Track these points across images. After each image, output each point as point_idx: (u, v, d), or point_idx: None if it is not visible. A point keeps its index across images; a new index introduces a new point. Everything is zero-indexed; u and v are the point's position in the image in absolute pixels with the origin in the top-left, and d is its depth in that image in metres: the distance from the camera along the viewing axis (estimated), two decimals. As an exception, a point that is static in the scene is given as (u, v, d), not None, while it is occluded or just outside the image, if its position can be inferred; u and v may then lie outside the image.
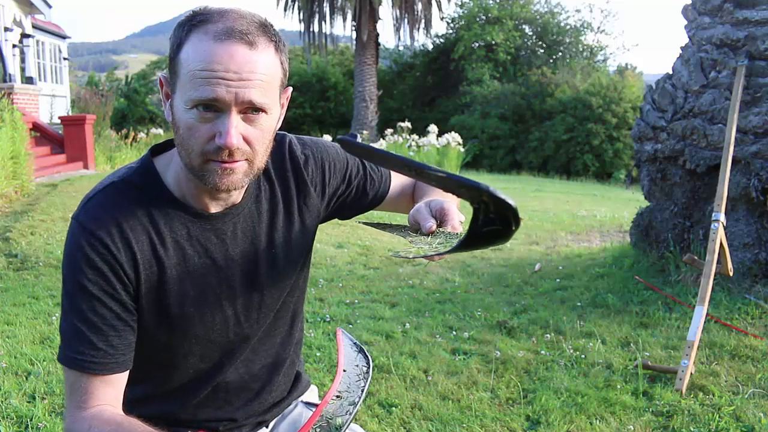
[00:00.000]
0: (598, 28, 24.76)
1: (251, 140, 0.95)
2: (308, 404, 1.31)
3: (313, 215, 1.18)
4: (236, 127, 0.92)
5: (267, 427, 1.26)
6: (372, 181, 1.26)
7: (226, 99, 0.90)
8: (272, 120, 0.99)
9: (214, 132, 0.93)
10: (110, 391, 1.02)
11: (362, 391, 1.09)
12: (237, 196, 1.08)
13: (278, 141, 1.15)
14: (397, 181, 1.30)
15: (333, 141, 1.23)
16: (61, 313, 1.03)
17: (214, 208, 1.07)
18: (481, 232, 0.76)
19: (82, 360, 0.99)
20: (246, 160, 0.97)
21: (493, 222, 0.74)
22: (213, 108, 0.92)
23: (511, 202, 0.71)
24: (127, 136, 14.17)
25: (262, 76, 0.93)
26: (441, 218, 1.03)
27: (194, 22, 0.93)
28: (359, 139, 0.82)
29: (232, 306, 1.11)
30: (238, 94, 0.91)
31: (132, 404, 1.09)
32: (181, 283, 1.06)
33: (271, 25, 0.98)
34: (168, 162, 1.05)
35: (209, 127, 0.93)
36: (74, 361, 1.00)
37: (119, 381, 1.04)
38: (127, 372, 1.05)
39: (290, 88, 1.06)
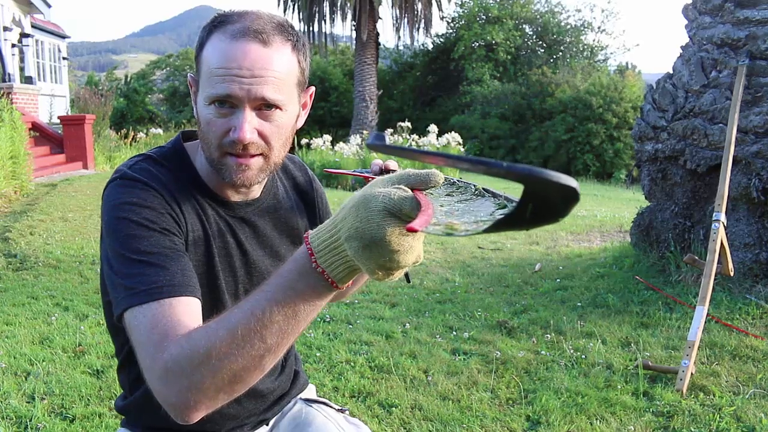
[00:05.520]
0: (599, 27, 24.75)
1: (266, 135, 0.98)
2: (307, 401, 1.31)
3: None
4: (249, 122, 0.96)
5: (267, 425, 1.26)
6: None
7: (239, 95, 0.94)
8: (288, 117, 1.01)
9: (230, 127, 0.96)
10: (196, 318, 0.87)
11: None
12: (257, 191, 1.13)
13: (302, 165, 1.29)
14: None
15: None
16: (109, 278, 0.93)
17: (235, 198, 1.11)
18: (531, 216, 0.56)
19: (158, 287, 0.87)
20: (261, 155, 1.00)
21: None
22: (228, 104, 0.95)
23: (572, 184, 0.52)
24: (126, 136, 14.19)
25: (276, 73, 0.95)
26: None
27: (215, 23, 0.98)
28: (387, 140, 0.71)
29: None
30: (251, 90, 0.94)
31: (138, 383, 1.08)
32: (218, 256, 1.08)
33: (290, 26, 1.01)
34: (196, 149, 1.09)
35: (225, 121, 0.96)
36: (148, 293, 0.86)
37: (200, 310, 0.90)
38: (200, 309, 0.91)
39: (312, 88, 1.10)
